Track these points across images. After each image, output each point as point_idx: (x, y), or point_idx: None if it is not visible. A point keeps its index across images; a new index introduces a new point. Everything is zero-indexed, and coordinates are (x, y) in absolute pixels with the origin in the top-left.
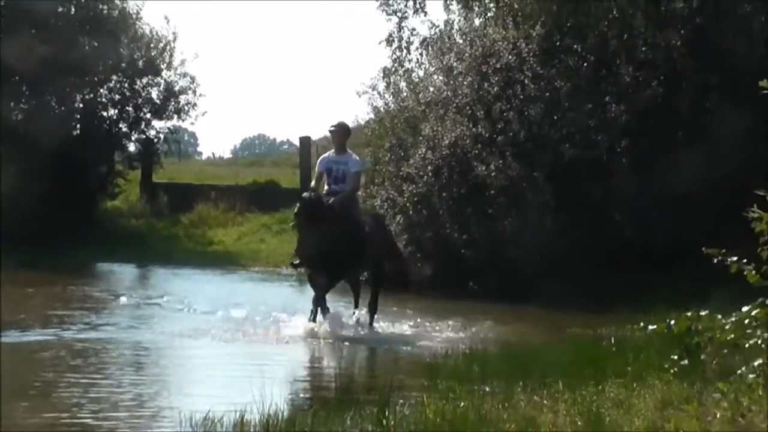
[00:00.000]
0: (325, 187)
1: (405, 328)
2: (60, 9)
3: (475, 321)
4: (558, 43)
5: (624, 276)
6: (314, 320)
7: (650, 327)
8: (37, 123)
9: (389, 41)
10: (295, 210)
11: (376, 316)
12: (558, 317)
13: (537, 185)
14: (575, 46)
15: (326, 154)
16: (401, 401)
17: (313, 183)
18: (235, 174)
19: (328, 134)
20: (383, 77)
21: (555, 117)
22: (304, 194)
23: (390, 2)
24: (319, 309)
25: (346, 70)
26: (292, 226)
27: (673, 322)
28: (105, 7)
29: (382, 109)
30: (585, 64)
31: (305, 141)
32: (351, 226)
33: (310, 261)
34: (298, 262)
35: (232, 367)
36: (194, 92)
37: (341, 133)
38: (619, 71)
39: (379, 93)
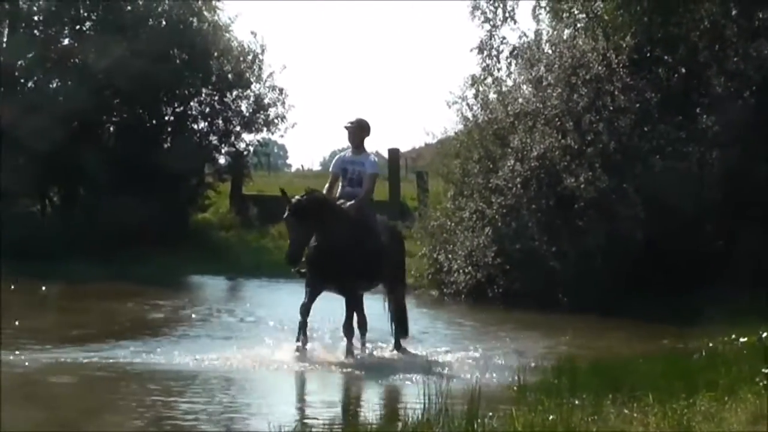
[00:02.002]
0: (339, 190)
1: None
2: (151, 22)
3: (559, 333)
4: (648, 54)
5: (714, 289)
6: (301, 341)
7: (741, 340)
8: (128, 136)
9: (480, 49)
10: (285, 214)
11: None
12: (647, 330)
13: (627, 197)
14: (666, 57)
15: (342, 154)
16: (490, 414)
17: (326, 186)
18: (324, 186)
19: (412, 153)
20: (471, 85)
21: (645, 128)
22: (295, 197)
23: (482, 9)
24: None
25: (435, 81)
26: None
27: (765, 334)
28: (195, 20)
29: (470, 119)
30: (675, 75)
31: (394, 153)
32: (367, 234)
33: (316, 267)
34: (302, 270)
35: (319, 382)
36: (283, 104)
37: (358, 130)
38: (710, 82)
39: (468, 104)
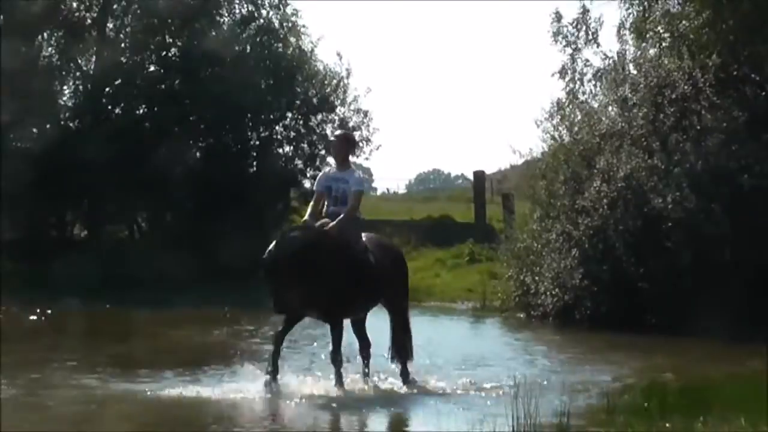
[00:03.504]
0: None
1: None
2: (236, 48)
3: (647, 354)
4: (735, 73)
5: None
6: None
7: None
8: (214, 161)
9: (562, 73)
10: (262, 264)
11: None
12: (737, 351)
13: (715, 217)
14: (752, 75)
15: (326, 170)
16: None
17: (310, 207)
18: (410, 209)
19: (497, 174)
20: (557, 110)
21: (733, 147)
22: (270, 247)
23: (563, 33)
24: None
25: (519, 103)
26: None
27: None
28: (280, 45)
29: (557, 140)
30: (763, 93)
31: (479, 175)
32: (351, 257)
33: (292, 307)
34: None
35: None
36: (368, 127)
37: (343, 144)
38: None
39: (553, 125)
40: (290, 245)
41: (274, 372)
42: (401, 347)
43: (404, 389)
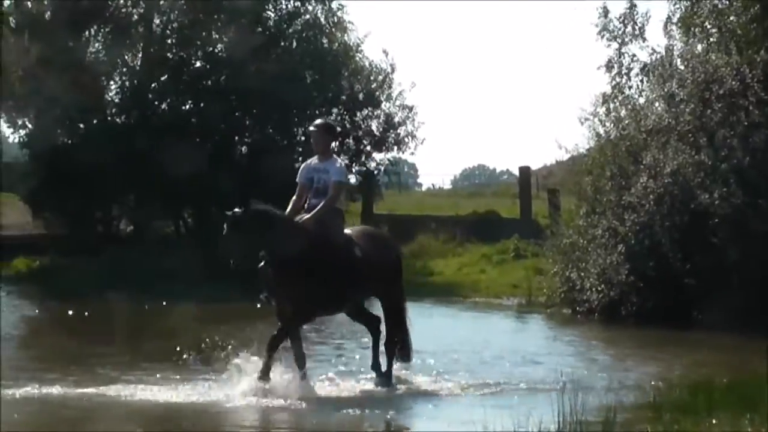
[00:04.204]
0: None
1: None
2: (282, 43)
3: (694, 351)
4: None
5: None
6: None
7: None
8: (260, 156)
9: (609, 67)
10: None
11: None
12: None
13: (762, 213)
14: None
15: (308, 161)
16: None
17: (292, 201)
18: (455, 204)
19: (543, 170)
20: (602, 104)
21: None
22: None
23: (609, 28)
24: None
25: (565, 98)
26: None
27: None
28: (326, 41)
29: (602, 135)
30: None
31: (525, 171)
32: (329, 249)
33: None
34: (265, 296)
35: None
36: (413, 122)
37: (323, 134)
38: None
39: (599, 120)
40: (257, 212)
41: (263, 378)
42: (391, 343)
43: (443, 387)
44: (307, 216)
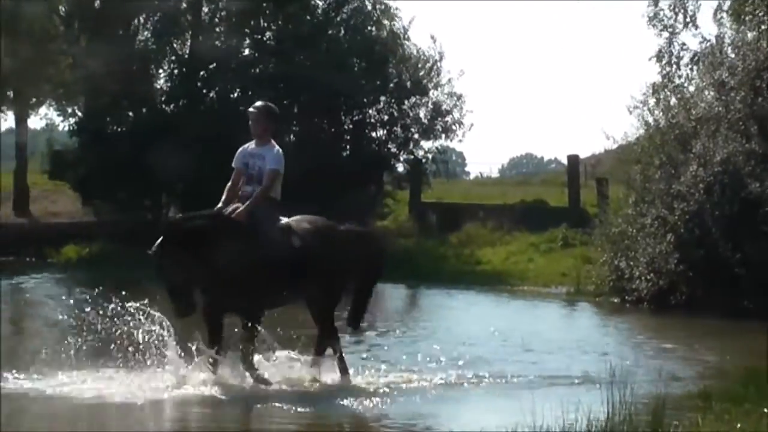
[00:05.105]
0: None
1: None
2: (330, 31)
3: (744, 340)
4: None
5: None
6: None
7: None
8: (307, 145)
9: (659, 57)
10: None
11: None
12: None
13: None
14: None
15: (245, 146)
16: (675, 422)
17: (228, 185)
18: (503, 193)
19: (591, 159)
20: (652, 93)
21: None
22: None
23: (660, 17)
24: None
25: (614, 86)
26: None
27: None
28: (373, 28)
29: (651, 124)
30: None
31: (573, 159)
32: (264, 243)
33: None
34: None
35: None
36: (460, 110)
37: (261, 117)
38: None
39: (649, 109)
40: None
41: (212, 366)
42: (322, 339)
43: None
44: (240, 209)
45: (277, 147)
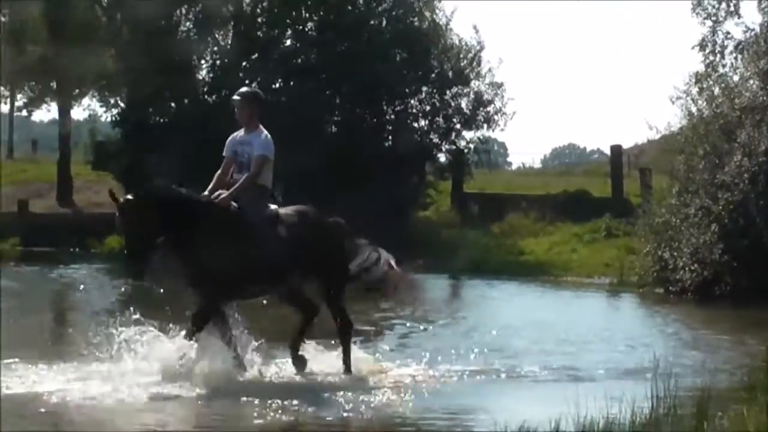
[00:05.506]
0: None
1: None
2: (372, 22)
3: None
4: None
5: None
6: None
7: None
8: (349, 135)
9: (702, 46)
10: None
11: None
12: None
13: None
14: None
15: (235, 134)
16: (719, 414)
17: (218, 173)
18: (546, 184)
19: (634, 149)
20: (695, 83)
21: None
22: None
23: (703, 5)
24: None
25: (657, 76)
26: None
27: None
28: (415, 19)
29: (695, 114)
30: None
31: (616, 150)
32: (247, 230)
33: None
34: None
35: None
36: (502, 99)
37: (247, 103)
38: None
39: (692, 99)
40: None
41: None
42: (343, 332)
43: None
44: (223, 194)
45: (266, 133)
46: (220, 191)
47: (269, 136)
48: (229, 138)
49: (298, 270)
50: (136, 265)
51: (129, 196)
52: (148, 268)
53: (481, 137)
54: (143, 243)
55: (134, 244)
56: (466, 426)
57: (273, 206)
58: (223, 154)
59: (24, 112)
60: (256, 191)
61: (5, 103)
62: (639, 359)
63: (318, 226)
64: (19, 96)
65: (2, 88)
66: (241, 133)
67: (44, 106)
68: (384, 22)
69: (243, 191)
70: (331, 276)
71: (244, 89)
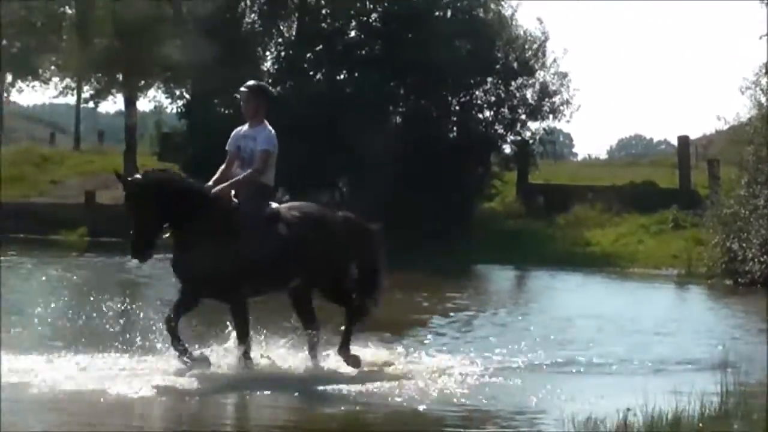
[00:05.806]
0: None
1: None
2: (437, 13)
3: None
4: None
5: None
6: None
7: None
8: (414, 126)
9: None
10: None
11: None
12: None
13: None
14: None
15: (239, 128)
16: None
17: (221, 168)
18: (612, 174)
19: (702, 140)
20: (765, 73)
21: None
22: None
23: None
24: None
25: (725, 66)
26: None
27: None
28: (480, 10)
29: (764, 105)
30: None
31: (683, 140)
32: (250, 225)
33: (179, 270)
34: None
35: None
36: (567, 89)
37: (253, 96)
38: None
39: (762, 89)
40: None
41: (183, 351)
42: (346, 334)
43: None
44: (221, 187)
45: (270, 128)
46: (222, 185)
47: (273, 131)
48: (233, 132)
49: (298, 269)
50: (141, 248)
51: (137, 175)
52: (151, 251)
53: (547, 128)
54: (149, 226)
55: (140, 227)
56: (533, 418)
57: (274, 204)
58: (227, 148)
59: (90, 104)
60: (257, 188)
61: (72, 95)
62: (707, 351)
63: (321, 223)
64: (85, 88)
65: (69, 80)
66: (245, 127)
67: (110, 97)
68: (449, 13)
69: (244, 185)
70: (334, 275)
71: (251, 82)
